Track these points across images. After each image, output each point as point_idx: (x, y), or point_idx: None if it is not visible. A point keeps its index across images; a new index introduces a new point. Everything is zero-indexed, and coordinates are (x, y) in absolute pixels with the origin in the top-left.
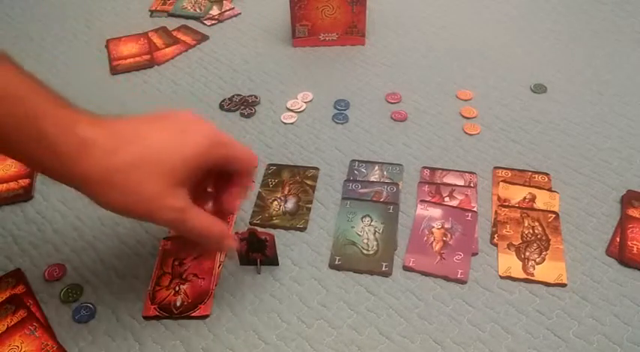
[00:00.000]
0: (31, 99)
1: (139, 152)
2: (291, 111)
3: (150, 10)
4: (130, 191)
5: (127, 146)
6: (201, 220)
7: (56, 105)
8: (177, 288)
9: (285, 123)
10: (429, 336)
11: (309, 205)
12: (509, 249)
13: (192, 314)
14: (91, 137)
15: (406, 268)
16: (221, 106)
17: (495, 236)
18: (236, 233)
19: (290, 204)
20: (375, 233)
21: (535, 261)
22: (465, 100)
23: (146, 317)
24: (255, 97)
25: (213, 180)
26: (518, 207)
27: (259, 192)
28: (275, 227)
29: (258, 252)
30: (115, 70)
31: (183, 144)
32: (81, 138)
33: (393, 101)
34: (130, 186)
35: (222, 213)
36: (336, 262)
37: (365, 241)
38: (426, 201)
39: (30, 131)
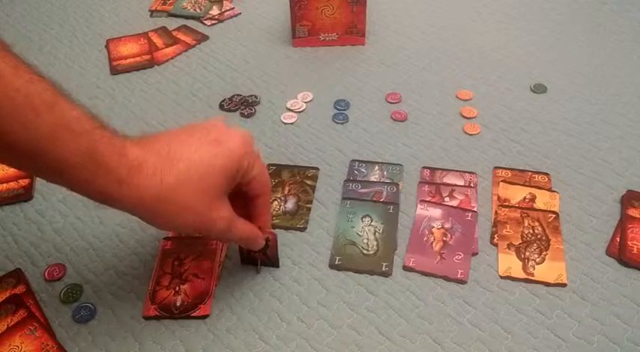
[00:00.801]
0: (82, 125)
1: (185, 170)
2: (291, 111)
3: (150, 10)
4: (183, 208)
5: (172, 165)
6: (244, 226)
7: (101, 128)
8: (177, 288)
9: (285, 123)
10: (429, 336)
11: (309, 205)
12: (509, 249)
13: (192, 314)
14: (140, 158)
15: (406, 268)
16: (221, 106)
17: (495, 236)
18: None
19: (290, 204)
20: (375, 233)
21: (535, 261)
22: (465, 100)
23: (146, 317)
24: (255, 97)
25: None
26: (518, 207)
27: None
28: (275, 227)
29: (259, 252)
30: (115, 70)
31: (221, 155)
32: (131, 160)
33: (393, 101)
34: (182, 203)
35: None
36: (336, 262)
37: (365, 241)
38: (426, 201)
39: (90, 167)
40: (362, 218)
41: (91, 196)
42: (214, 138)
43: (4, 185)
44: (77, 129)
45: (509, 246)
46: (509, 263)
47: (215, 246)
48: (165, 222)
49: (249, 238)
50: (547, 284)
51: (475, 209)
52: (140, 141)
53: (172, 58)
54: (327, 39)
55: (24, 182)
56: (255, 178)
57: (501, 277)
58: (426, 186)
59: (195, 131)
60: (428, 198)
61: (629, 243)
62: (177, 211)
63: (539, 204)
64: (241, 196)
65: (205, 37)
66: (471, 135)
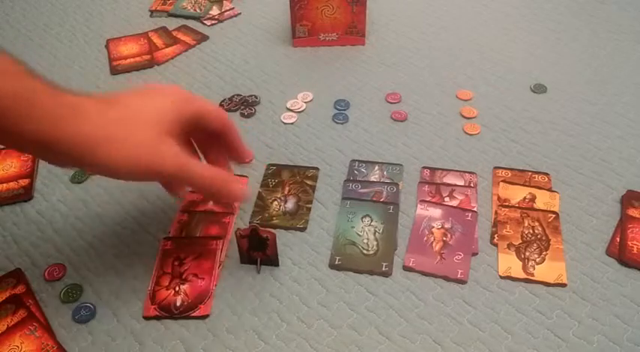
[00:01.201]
0: (22, 78)
1: (125, 110)
2: (291, 111)
3: (150, 10)
4: (129, 144)
5: (114, 107)
6: (203, 168)
7: (42, 83)
8: (177, 288)
9: (285, 123)
10: (429, 336)
11: (309, 205)
12: (509, 249)
13: (192, 314)
14: (82, 102)
15: (406, 268)
16: (221, 106)
17: (495, 236)
18: (237, 229)
19: (290, 204)
20: (375, 233)
21: (535, 261)
22: (465, 100)
23: (146, 317)
24: (255, 97)
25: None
26: (518, 207)
27: (259, 192)
28: (275, 227)
29: (258, 251)
30: (115, 70)
31: (160, 101)
32: (74, 103)
33: (393, 101)
34: (128, 139)
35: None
36: (336, 262)
37: (365, 241)
38: (426, 201)
39: (24, 105)
40: (362, 218)
41: (29, 144)
42: (156, 93)
43: (4, 185)
44: (10, 71)
45: (509, 246)
46: (509, 263)
47: (215, 246)
48: (111, 161)
49: (207, 180)
50: (547, 284)
51: (475, 209)
52: (83, 92)
53: (172, 58)
54: (327, 39)
55: (24, 182)
56: (209, 113)
57: (501, 277)
58: (426, 186)
59: (141, 88)
60: (428, 198)
61: (629, 243)
62: (122, 147)
63: (539, 204)
64: (213, 146)
65: (205, 37)
66: (471, 135)
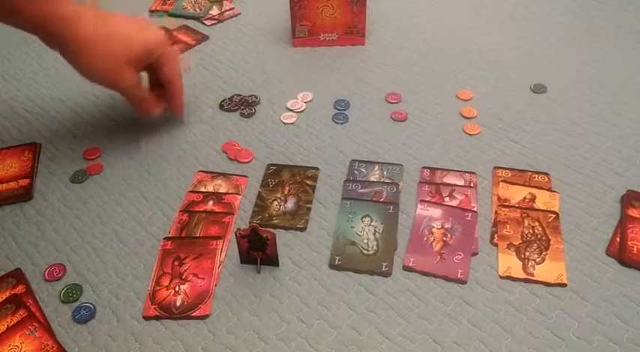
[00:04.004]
0: None
1: (114, 29)
2: (291, 111)
3: (150, 10)
4: (107, 58)
5: (105, 21)
6: (144, 92)
7: None
8: (177, 288)
9: (285, 123)
10: (429, 336)
11: (309, 205)
12: (509, 249)
13: (192, 314)
14: (81, 10)
15: (406, 268)
16: (221, 106)
17: (495, 236)
18: (237, 229)
19: (290, 204)
20: (375, 233)
21: (535, 261)
22: (465, 100)
23: (146, 317)
24: (255, 97)
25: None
26: (518, 207)
27: (259, 192)
28: (275, 227)
29: (258, 251)
30: None
31: (145, 36)
32: (75, 9)
33: (393, 101)
34: (108, 54)
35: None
36: (336, 262)
37: (365, 241)
38: (426, 201)
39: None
40: (362, 218)
41: (29, 22)
42: (143, 26)
43: (4, 185)
44: None
45: (509, 246)
46: (509, 263)
47: (215, 246)
48: (89, 65)
49: (144, 100)
50: (547, 284)
51: (475, 209)
52: (82, 5)
53: None
54: (327, 39)
55: (24, 182)
56: (167, 66)
57: (501, 277)
58: (426, 186)
59: (130, 17)
60: (428, 198)
61: (629, 243)
62: (100, 57)
63: (539, 204)
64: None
65: (205, 37)
66: (470, 135)
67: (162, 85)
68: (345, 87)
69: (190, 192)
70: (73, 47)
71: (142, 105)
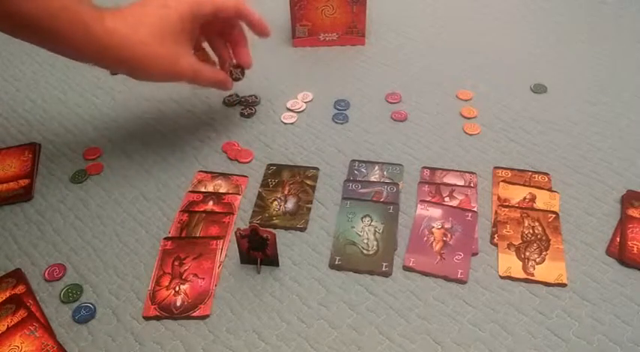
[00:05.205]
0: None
1: (148, 32)
2: (291, 111)
3: None
4: (155, 56)
5: (139, 28)
6: (210, 72)
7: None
8: (177, 288)
9: (285, 123)
10: (429, 336)
11: (309, 205)
12: (509, 249)
13: (192, 314)
14: (113, 26)
15: (406, 268)
16: (224, 101)
17: (495, 236)
18: (237, 229)
19: (290, 204)
20: (375, 233)
21: (535, 261)
22: (465, 100)
23: (146, 317)
24: (255, 97)
25: (220, 44)
26: (518, 207)
27: (259, 192)
28: (275, 227)
29: (258, 251)
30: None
31: (169, 14)
32: (108, 28)
33: (393, 101)
34: (154, 53)
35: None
36: (336, 262)
37: (365, 241)
38: (426, 201)
39: (77, 26)
40: (362, 218)
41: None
42: (162, 4)
43: (4, 185)
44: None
45: (509, 246)
46: (509, 263)
47: (215, 246)
48: (144, 69)
49: (217, 80)
50: (547, 284)
51: (475, 209)
52: (114, 11)
53: None
54: (327, 39)
55: (24, 182)
56: (223, 4)
57: (501, 277)
58: (426, 186)
59: (150, 1)
60: (428, 198)
61: (629, 243)
62: (151, 59)
63: (539, 204)
64: (219, 39)
65: None
66: (470, 135)
67: (217, 36)
68: (345, 87)
69: (190, 192)
70: (126, 60)
71: (217, 84)
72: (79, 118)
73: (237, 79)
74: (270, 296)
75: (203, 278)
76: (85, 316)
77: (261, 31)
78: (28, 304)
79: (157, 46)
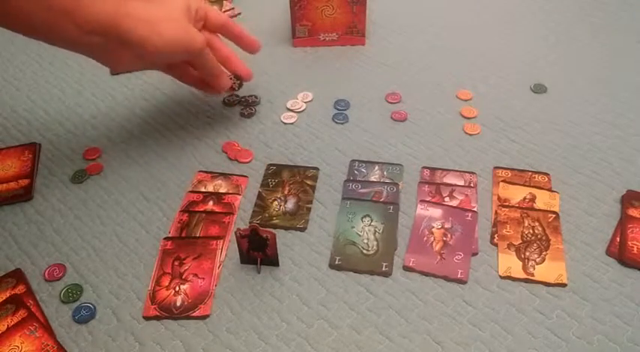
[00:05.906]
0: None
1: (164, 4)
2: (291, 111)
3: None
4: (169, 19)
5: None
6: (214, 59)
7: None
8: (177, 288)
9: (285, 123)
10: (429, 336)
11: (309, 205)
12: (509, 249)
13: (192, 314)
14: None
15: (406, 268)
16: (223, 101)
17: (495, 236)
18: (237, 229)
19: (290, 204)
20: (375, 233)
21: (535, 260)
22: (465, 100)
23: (146, 317)
24: (255, 97)
25: None
26: (518, 207)
27: (259, 192)
28: (275, 227)
29: (258, 251)
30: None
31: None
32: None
33: (393, 101)
34: (168, 16)
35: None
36: (336, 262)
37: (365, 241)
38: (426, 201)
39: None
40: (362, 218)
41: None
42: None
43: (4, 185)
44: None
45: (509, 246)
46: (509, 263)
47: (215, 246)
48: (160, 32)
49: (216, 69)
50: (547, 284)
51: (475, 209)
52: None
53: None
54: (327, 39)
55: (24, 182)
56: (209, 11)
57: (501, 277)
58: (426, 186)
59: None
60: (428, 198)
61: (629, 243)
62: (166, 23)
63: (539, 204)
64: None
65: None
66: (471, 135)
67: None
68: (345, 87)
69: (190, 192)
70: (140, 26)
71: (217, 72)
72: (79, 118)
73: (234, 89)
74: (270, 296)
75: (203, 278)
76: (85, 316)
77: (246, 46)
78: (28, 304)
79: (171, 11)
